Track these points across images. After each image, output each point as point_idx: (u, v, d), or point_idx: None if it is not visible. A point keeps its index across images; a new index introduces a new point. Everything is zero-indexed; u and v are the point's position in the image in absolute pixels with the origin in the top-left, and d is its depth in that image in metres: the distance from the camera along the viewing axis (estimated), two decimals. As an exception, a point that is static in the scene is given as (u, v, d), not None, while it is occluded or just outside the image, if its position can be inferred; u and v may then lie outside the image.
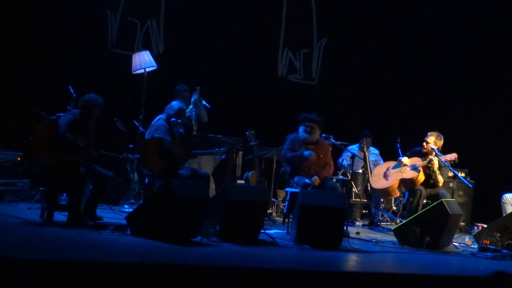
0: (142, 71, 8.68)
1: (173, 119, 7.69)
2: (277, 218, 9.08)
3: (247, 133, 9.13)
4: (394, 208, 9.91)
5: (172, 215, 6.08)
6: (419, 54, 11.95)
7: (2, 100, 8.84)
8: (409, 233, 7.47)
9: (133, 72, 8.77)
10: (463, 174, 9.68)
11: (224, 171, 9.09)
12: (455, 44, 11.67)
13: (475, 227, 8.68)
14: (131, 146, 8.06)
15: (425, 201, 8.22)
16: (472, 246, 7.88)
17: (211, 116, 9.10)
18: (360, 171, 9.87)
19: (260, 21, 11.25)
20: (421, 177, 8.26)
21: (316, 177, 8.21)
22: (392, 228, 8.10)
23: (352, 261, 6.40)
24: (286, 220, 8.02)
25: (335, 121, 10.97)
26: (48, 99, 8.77)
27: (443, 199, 7.54)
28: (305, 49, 11.80)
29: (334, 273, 5.54)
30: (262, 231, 6.95)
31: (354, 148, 9.93)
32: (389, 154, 9.43)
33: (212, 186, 8.65)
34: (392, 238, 7.80)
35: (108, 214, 7.37)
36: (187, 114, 8.46)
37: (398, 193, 8.59)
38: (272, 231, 7.42)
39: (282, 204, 9.39)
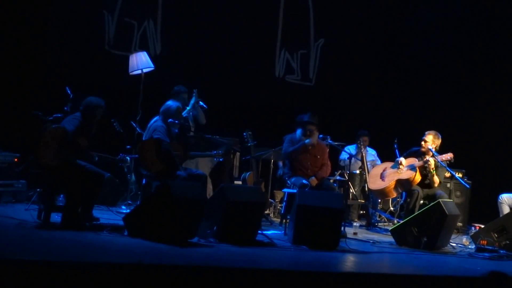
0: (139, 72, 8.67)
1: (171, 119, 7.66)
2: (275, 219, 9.08)
3: (244, 134, 9.13)
4: (392, 208, 9.92)
5: (170, 216, 6.08)
6: (416, 55, 11.94)
7: (-1, 101, 8.84)
8: (406, 234, 7.47)
9: (130, 73, 8.76)
10: (460, 175, 9.67)
11: (222, 172, 9.08)
12: (453, 45, 11.68)
13: (473, 228, 8.70)
14: (128, 147, 8.05)
15: (422, 201, 8.22)
16: (469, 246, 7.89)
17: (208, 117, 9.10)
18: (358, 171, 9.88)
19: (257, 21, 11.23)
20: (418, 178, 8.27)
21: (313, 177, 8.23)
22: (390, 228, 8.11)
23: (349, 261, 6.40)
24: (284, 220, 8.02)
25: (332, 122, 10.95)
26: (45, 100, 8.75)
27: (440, 200, 7.54)
28: (302, 49, 11.79)
29: (332, 274, 5.55)
30: (260, 232, 6.94)
31: (351, 148, 9.94)
32: (387, 155, 9.42)
33: (210, 186, 8.64)
34: (389, 238, 7.80)
35: (105, 215, 7.35)
36: (184, 115, 8.44)
37: (395, 194, 8.58)
38: (269, 232, 7.41)
39: (280, 204, 9.40)
